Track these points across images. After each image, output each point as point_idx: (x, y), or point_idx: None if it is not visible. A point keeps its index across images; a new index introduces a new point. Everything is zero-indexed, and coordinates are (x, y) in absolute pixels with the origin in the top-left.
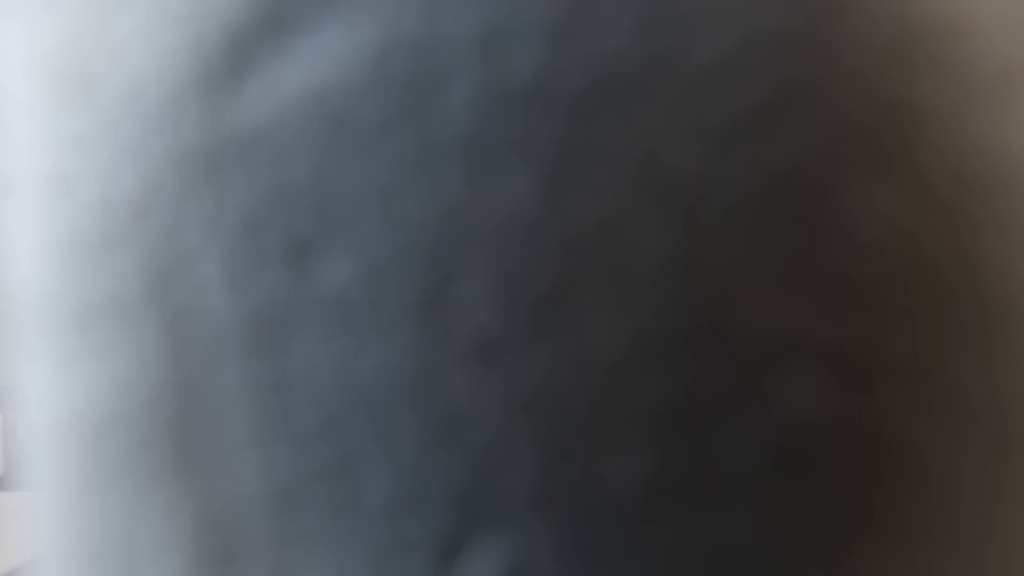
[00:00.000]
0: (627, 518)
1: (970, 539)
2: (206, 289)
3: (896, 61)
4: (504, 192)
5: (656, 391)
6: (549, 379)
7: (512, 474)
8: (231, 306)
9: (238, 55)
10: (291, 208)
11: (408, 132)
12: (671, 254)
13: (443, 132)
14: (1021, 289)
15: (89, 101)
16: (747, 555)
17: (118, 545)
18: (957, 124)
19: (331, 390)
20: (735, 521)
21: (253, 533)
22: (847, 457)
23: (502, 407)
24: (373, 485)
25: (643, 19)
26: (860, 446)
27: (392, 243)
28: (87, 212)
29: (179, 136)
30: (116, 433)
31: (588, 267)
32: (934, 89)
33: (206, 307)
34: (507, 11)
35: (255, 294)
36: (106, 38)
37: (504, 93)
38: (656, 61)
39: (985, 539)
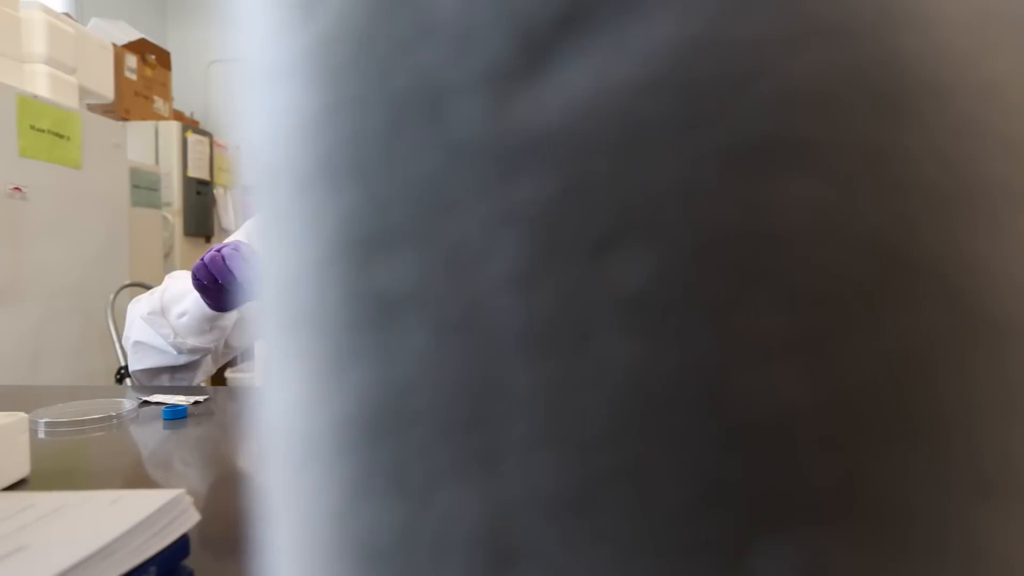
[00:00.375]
0: (929, 518)
1: None
2: (496, 288)
3: None
4: (805, 192)
5: (959, 390)
6: (851, 378)
7: (812, 475)
8: (523, 306)
9: (533, 51)
10: (587, 206)
11: (709, 131)
12: (969, 256)
13: (745, 131)
14: None
15: (367, 94)
16: None
17: (394, 550)
18: None
19: (625, 391)
20: None
21: (538, 536)
22: None
23: (802, 408)
24: (665, 487)
25: (945, 22)
26: None
27: (693, 242)
28: (364, 208)
29: (467, 132)
30: (396, 436)
31: (887, 266)
32: None
33: (496, 307)
34: (814, 12)
35: (549, 294)
36: (387, 29)
37: (808, 93)
38: (956, 65)
39: None
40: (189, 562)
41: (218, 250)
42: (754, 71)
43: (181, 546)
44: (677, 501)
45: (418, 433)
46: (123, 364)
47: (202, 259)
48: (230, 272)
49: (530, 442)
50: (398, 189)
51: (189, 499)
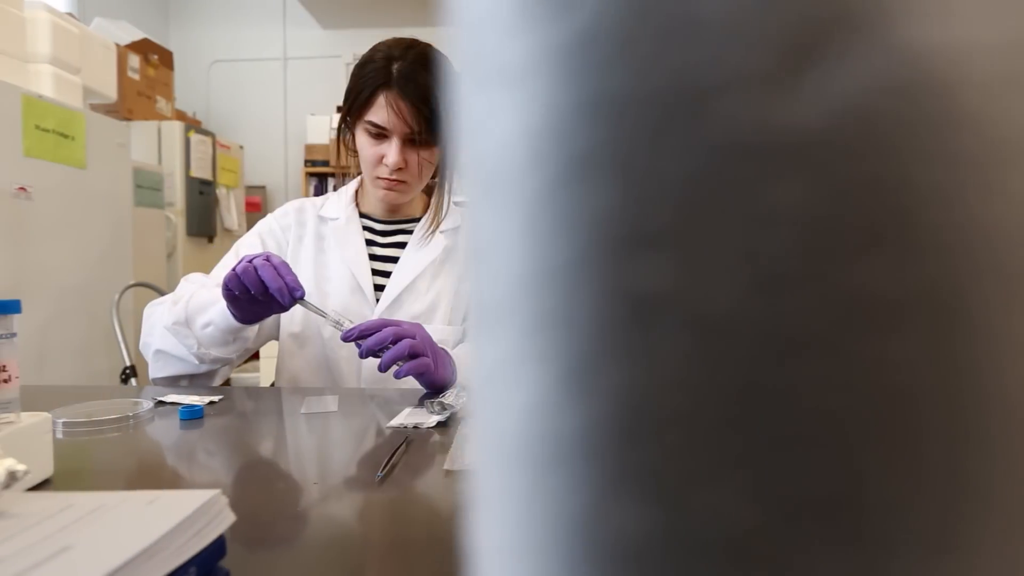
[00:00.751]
0: None
1: None
2: (757, 289)
3: None
4: None
5: None
6: None
7: None
8: (785, 307)
9: (799, 52)
10: (850, 208)
11: (968, 134)
12: None
13: (1000, 135)
14: None
15: (627, 92)
16: None
17: (647, 553)
18: None
19: (886, 391)
20: None
21: (795, 537)
22: None
23: None
24: (924, 486)
25: None
26: None
27: (956, 244)
28: (623, 208)
29: (730, 132)
30: (652, 438)
31: None
32: None
33: (757, 307)
34: None
35: (811, 295)
36: (650, 27)
37: None
38: None
39: None
40: (224, 562)
41: (250, 261)
42: (1009, 76)
43: (218, 546)
44: (936, 499)
45: (675, 435)
46: (128, 364)
47: (234, 270)
48: (261, 283)
49: (790, 443)
50: (659, 189)
51: (225, 499)
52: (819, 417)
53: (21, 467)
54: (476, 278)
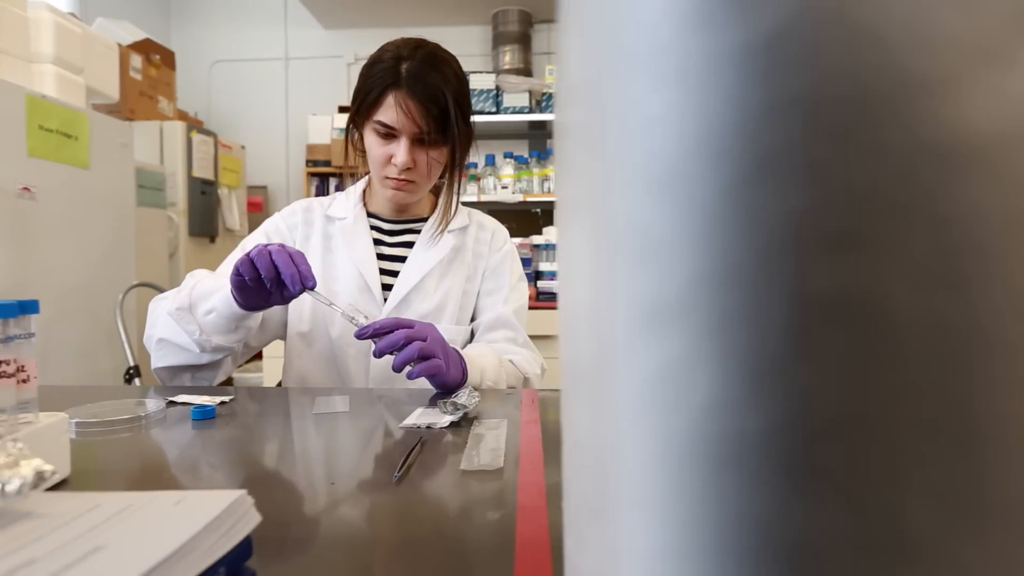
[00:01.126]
0: None
1: None
2: (939, 291)
3: None
4: None
5: None
6: None
7: None
8: (969, 308)
9: (982, 57)
10: None
11: None
12: None
13: None
14: None
15: (819, 93)
16: None
17: (838, 547)
18: None
19: None
20: None
21: (980, 537)
22: None
23: None
24: None
25: None
26: None
27: None
28: (815, 209)
29: (917, 135)
30: (839, 438)
31: None
32: None
33: (940, 309)
34: None
35: (992, 296)
36: (841, 31)
37: None
38: None
39: None
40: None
41: (265, 246)
42: None
43: (245, 547)
44: None
45: (859, 436)
46: (132, 364)
47: (248, 254)
48: (274, 268)
49: (974, 444)
50: (847, 190)
51: (251, 500)
52: (1005, 418)
53: (48, 467)
54: (637, 278)
